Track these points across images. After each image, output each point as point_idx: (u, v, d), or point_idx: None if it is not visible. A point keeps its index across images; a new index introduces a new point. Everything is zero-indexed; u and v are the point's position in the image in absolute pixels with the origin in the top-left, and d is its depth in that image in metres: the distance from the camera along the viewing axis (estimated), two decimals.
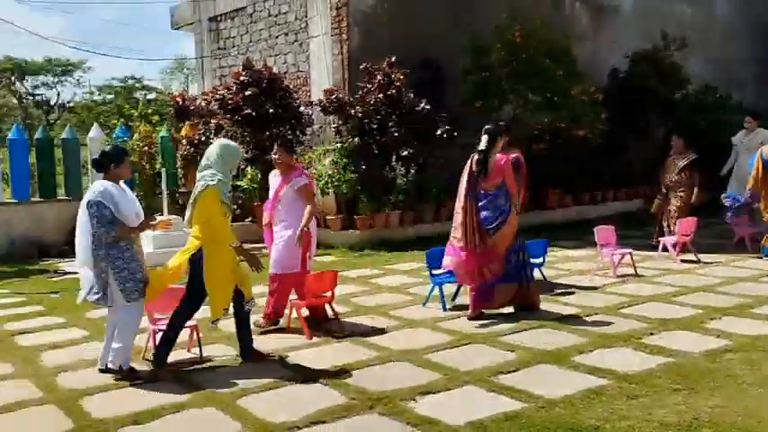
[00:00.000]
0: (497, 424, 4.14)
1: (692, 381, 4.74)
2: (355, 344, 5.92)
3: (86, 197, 5.16)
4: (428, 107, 10.97)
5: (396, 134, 10.91)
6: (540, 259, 7.79)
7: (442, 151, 11.56)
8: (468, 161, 6.68)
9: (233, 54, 14.61)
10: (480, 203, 6.57)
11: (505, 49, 11.64)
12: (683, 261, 8.94)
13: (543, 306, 6.92)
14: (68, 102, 43.20)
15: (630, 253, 8.46)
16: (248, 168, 12.54)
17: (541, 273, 7.92)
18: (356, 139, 11.26)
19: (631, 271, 8.36)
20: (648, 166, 13.42)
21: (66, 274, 9.70)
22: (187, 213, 5.42)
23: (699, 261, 8.95)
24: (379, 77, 11.02)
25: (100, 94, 43.01)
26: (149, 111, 13.86)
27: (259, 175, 12.31)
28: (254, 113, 11.60)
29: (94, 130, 13.02)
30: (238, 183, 12.64)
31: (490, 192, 6.61)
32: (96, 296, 5.16)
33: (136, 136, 12.76)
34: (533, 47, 11.64)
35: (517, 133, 11.83)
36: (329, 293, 6.32)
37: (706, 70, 15.26)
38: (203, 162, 5.44)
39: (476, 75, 11.82)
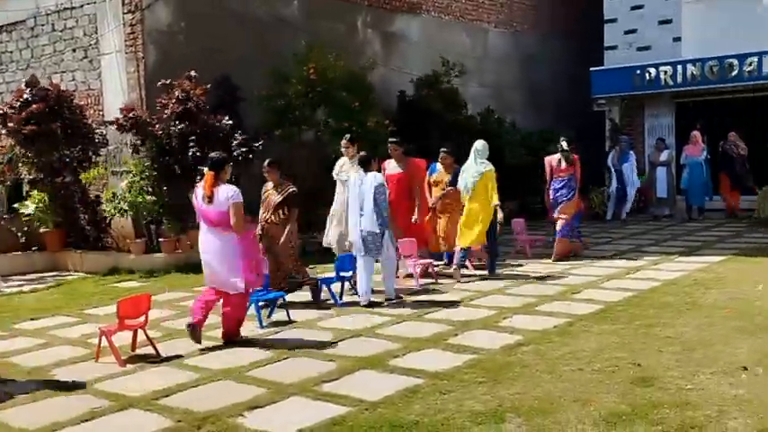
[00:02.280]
0: (326, 429, 4.34)
1: (493, 373, 5.28)
2: (174, 367, 5.81)
3: (377, 181, 7.73)
4: (230, 123, 10.90)
5: (197, 153, 10.73)
6: None
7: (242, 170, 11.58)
8: (548, 160, 10.56)
9: (11, 69, 13.50)
10: (559, 185, 10.33)
11: (302, 83, 11.97)
12: (475, 267, 9.76)
13: (364, 318, 7.26)
14: None
15: (431, 263, 9.13)
16: (34, 192, 11.66)
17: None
18: (157, 159, 10.90)
19: (432, 280, 9.01)
20: None
21: None
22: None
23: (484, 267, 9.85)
24: (177, 93, 10.78)
25: None
26: None
27: (46, 200, 11.50)
28: (39, 129, 10.80)
29: None
30: (23, 209, 11.70)
31: (565, 177, 10.26)
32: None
33: None
34: (329, 80, 12.09)
35: (321, 154, 12.27)
36: (142, 318, 6.15)
37: (483, 95, 16.78)
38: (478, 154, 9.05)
39: (272, 101, 12.04)
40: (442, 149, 9.77)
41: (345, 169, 8.84)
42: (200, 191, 6.44)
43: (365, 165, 7.93)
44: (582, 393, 4.79)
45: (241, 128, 11.39)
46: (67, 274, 11.04)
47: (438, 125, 14.54)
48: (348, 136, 9.13)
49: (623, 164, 14.71)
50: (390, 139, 9.76)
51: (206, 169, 6.54)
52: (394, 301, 7.89)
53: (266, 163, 7.95)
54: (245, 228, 6.43)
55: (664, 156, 15.10)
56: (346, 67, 12.55)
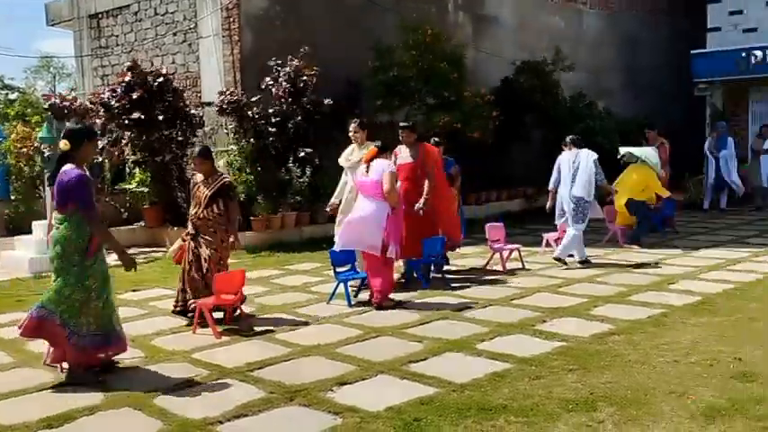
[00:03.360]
0: (414, 408, 4.37)
1: (584, 361, 5.18)
2: (266, 341, 5.99)
3: (592, 157, 8.82)
4: (330, 102, 11.14)
5: (297, 130, 11.01)
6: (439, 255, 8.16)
7: (333, 151, 11.77)
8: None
9: (116, 53, 14.13)
10: None
11: (414, 49, 11.96)
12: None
13: (443, 300, 7.27)
14: None
15: (519, 248, 9.01)
16: (136, 170, 12.22)
17: (441, 269, 8.25)
18: (252, 141, 11.22)
19: (519, 265, 8.89)
20: (527, 168, 14.24)
21: None
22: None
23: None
24: (288, 69, 11.10)
25: None
26: (27, 110, 13.16)
27: (148, 178, 12.02)
28: (142, 117, 11.30)
29: None
30: (126, 186, 12.29)
31: None
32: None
33: (12, 136, 12.10)
34: (438, 49, 12.09)
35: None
36: (238, 293, 6.38)
37: (576, 78, 16.32)
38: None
39: (382, 74, 12.10)
40: (402, 124, 8.37)
41: (354, 157, 7.97)
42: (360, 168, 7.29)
43: (382, 153, 7.27)
44: (677, 386, 4.64)
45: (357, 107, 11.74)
46: (165, 249, 11.49)
47: (533, 111, 14.33)
48: (357, 120, 8.23)
49: (721, 151, 14.05)
50: (402, 124, 8.35)
51: (373, 146, 7.32)
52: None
53: (196, 152, 6.98)
54: (397, 202, 7.11)
55: (767, 144, 14.29)
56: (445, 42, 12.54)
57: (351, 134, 8.16)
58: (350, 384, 4.86)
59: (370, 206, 7.01)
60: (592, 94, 16.07)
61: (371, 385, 4.86)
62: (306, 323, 6.54)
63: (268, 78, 11.30)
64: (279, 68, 11.28)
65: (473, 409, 4.34)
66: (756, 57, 15.19)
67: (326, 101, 11.21)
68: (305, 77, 11.17)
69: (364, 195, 7.14)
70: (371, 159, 7.13)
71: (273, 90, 11.19)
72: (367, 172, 7.09)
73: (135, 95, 11.33)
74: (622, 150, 10.70)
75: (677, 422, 4.08)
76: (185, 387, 4.89)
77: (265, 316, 6.88)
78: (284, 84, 11.15)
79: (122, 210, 12.45)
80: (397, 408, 4.37)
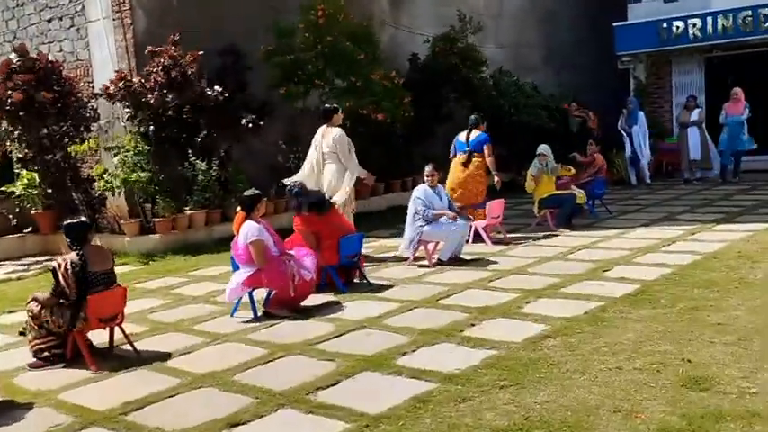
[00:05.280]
0: None
1: (517, 374, 4.52)
2: (152, 370, 5.12)
3: None
4: (224, 93, 10.12)
5: (188, 122, 10.02)
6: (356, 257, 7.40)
7: (247, 143, 10.88)
8: None
9: None
10: None
11: (309, 31, 11.09)
12: (494, 243, 8.97)
13: (363, 304, 6.53)
14: None
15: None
16: (23, 172, 10.99)
17: (361, 271, 7.48)
18: (150, 133, 10.16)
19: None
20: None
21: None
22: None
23: (509, 242, 9.05)
24: (163, 60, 10.00)
25: None
26: None
27: (37, 178, 10.83)
28: (26, 99, 10.07)
29: None
30: (13, 188, 11.06)
31: None
32: None
33: None
34: (337, 29, 11.22)
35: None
36: (118, 316, 5.47)
37: (498, 54, 15.77)
38: None
39: (281, 57, 11.14)
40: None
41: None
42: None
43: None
44: (623, 401, 4.02)
45: (248, 94, 10.73)
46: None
47: (454, 87, 13.66)
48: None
49: (632, 127, 13.85)
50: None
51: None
52: None
53: None
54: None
55: (694, 115, 14.07)
56: (354, 18, 11.67)
57: None
58: (243, 425, 4.06)
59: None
60: (517, 72, 15.56)
61: (270, 425, 4.07)
62: (205, 343, 5.69)
63: (147, 68, 10.22)
64: (155, 57, 10.18)
65: None
66: (678, 27, 14.95)
67: (216, 89, 10.14)
68: (183, 66, 10.09)
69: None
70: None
71: (151, 82, 10.09)
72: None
73: (21, 77, 10.09)
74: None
75: None
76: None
77: (158, 336, 5.99)
78: (161, 74, 10.00)
79: (10, 216, 11.20)
80: None
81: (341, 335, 5.64)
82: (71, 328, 5.25)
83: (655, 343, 4.94)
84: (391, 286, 7.17)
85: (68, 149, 10.70)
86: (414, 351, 5.14)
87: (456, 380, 4.49)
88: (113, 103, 10.50)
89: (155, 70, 9.99)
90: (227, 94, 10.23)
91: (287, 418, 4.15)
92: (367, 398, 4.30)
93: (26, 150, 10.77)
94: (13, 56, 10.67)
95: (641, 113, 14.24)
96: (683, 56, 15.81)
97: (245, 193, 6.64)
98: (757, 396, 3.96)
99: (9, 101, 10.14)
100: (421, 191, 8.14)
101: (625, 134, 14.03)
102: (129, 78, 10.24)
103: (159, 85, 9.89)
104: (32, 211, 10.96)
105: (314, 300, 6.62)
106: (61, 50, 11.81)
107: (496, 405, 4.09)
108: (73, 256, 5.32)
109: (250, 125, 10.53)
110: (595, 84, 16.85)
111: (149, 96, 10.05)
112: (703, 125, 14.13)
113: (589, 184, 10.85)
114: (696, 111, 14.14)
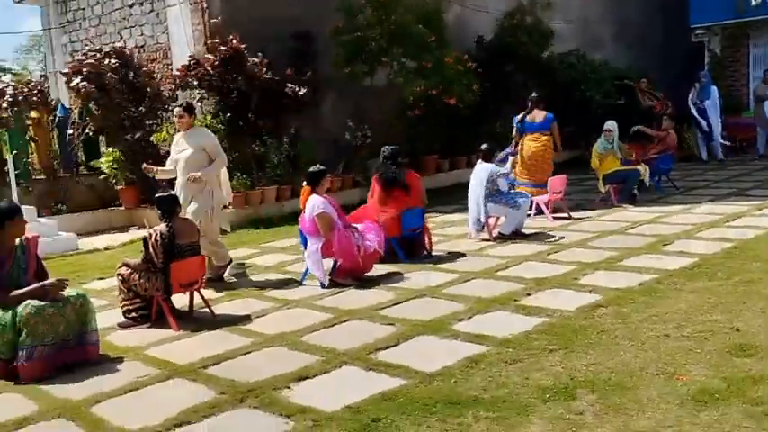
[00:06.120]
0: (375, 405, 3.95)
1: (566, 340, 4.74)
2: (228, 331, 5.58)
3: None
4: (272, 77, 10.58)
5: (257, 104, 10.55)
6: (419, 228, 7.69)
7: (315, 121, 11.29)
8: None
9: (84, 27, 13.53)
10: None
11: (374, 8, 11.31)
12: (555, 218, 9.10)
13: (424, 274, 6.83)
14: None
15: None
16: (109, 149, 11.72)
17: (423, 244, 7.77)
18: (225, 114, 10.69)
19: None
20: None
21: None
22: None
23: (570, 217, 9.16)
24: (223, 48, 10.57)
25: None
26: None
27: (122, 157, 11.53)
28: (103, 85, 10.80)
29: None
30: (99, 164, 11.80)
31: None
32: None
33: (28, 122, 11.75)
34: (402, 6, 11.39)
35: (394, 100, 11.72)
36: (198, 282, 5.95)
37: (566, 30, 15.62)
38: None
39: (347, 35, 11.42)
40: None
41: (179, 147, 7.19)
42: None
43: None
44: (667, 365, 4.20)
45: (317, 76, 11.16)
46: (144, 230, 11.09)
47: (520, 64, 13.66)
48: (184, 103, 7.47)
49: (704, 101, 13.51)
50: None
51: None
52: None
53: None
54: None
55: None
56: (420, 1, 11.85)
57: (175, 119, 7.29)
58: (309, 379, 4.44)
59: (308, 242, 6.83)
60: (583, 47, 15.40)
61: (333, 380, 4.44)
62: (276, 308, 6.13)
63: (217, 53, 10.69)
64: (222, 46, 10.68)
65: (440, 403, 3.92)
66: None
67: (267, 74, 10.60)
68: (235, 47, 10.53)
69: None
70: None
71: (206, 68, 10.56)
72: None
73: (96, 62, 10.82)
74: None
75: (665, 410, 3.65)
76: (129, 391, 4.47)
77: (233, 301, 6.46)
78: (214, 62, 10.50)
79: (99, 190, 11.96)
80: (356, 406, 3.95)
81: (402, 302, 5.96)
82: (162, 293, 5.75)
83: (705, 313, 5.06)
84: (452, 258, 7.45)
85: (150, 132, 11.34)
86: (470, 318, 5.41)
87: (508, 344, 4.76)
88: (184, 89, 11.04)
89: (227, 55, 10.48)
90: (298, 87, 10.63)
91: (349, 373, 4.51)
92: (423, 358, 4.61)
93: (108, 129, 11.48)
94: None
95: (714, 88, 13.90)
96: (761, 28, 15.31)
97: (310, 169, 7.00)
98: None
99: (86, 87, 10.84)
100: (491, 169, 8.30)
101: (696, 109, 13.75)
102: (200, 63, 10.76)
103: (227, 69, 10.44)
104: (117, 187, 11.67)
105: (378, 270, 6.97)
106: (142, 34, 12.46)
107: (544, 366, 4.34)
108: (162, 227, 5.83)
109: (299, 97, 10.78)
110: (666, 58, 16.50)
111: (218, 80, 10.59)
112: None
113: (655, 159, 10.79)
114: None
